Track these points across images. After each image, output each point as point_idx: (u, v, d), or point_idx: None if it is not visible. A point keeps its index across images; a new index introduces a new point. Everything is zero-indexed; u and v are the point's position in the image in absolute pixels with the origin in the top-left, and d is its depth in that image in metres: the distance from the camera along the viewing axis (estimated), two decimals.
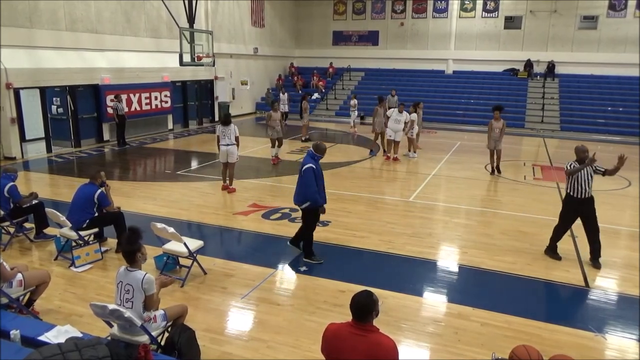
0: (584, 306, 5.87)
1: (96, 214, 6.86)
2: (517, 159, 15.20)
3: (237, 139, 10.27)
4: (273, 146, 13.54)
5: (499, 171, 12.40)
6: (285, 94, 20.25)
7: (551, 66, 24.54)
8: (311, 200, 6.55)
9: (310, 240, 6.88)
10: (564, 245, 7.59)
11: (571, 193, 6.85)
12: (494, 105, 12.54)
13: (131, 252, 4.17)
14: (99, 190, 6.85)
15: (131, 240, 4.23)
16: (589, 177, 6.71)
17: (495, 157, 12.34)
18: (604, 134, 20.43)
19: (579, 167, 6.69)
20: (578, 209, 6.86)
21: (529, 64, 25.05)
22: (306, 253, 6.86)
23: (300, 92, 25.14)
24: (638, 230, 8.49)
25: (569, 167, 6.81)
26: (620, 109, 21.84)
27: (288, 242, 7.14)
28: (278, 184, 11.28)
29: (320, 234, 7.88)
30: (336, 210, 9.12)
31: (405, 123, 13.85)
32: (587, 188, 6.72)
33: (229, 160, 10.31)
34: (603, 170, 6.77)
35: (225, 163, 10.41)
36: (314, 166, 6.48)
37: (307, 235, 6.86)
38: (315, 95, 26.16)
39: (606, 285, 6.33)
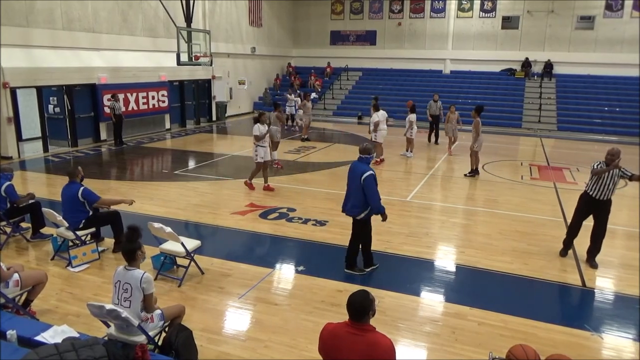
0: (581, 305, 5.89)
1: (91, 213, 6.81)
2: (514, 159, 15.24)
3: (255, 137, 10.15)
4: (275, 149, 12.84)
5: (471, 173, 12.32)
6: (292, 94, 20.09)
7: (548, 66, 24.59)
8: (379, 209, 6.08)
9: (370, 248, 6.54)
10: (561, 244, 7.62)
11: (590, 192, 6.75)
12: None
13: (131, 251, 4.17)
14: (82, 188, 6.69)
15: (131, 238, 4.23)
16: (611, 180, 6.59)
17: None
18: (600, 133, 20.49)
19: (605, 169, 6.53)
20: (593, 207, 6.80)
21: (526, 64, 25.11)
22: (369, 261, 6.52)
23: (298, 91, 25.13)
24: (633, 230, 8.51)
25: (596, 167, 6.66)
26: (617, 109, 21.91)
27: (345, 270, 6.51)
28: (275, 183, 11.26)
29: (317, 234, 7.91)
30: (333, 209, 9.11)
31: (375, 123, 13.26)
32: (607, 191, 6.61)
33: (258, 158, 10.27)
34: (630, 175, 6.62)
35: (265, 162, 10.35)
36: (374, 172, 6.04)
37: (369, 245, 6.47)
38: (313, 95, 26.15)
39: (603, 285, 6.36)
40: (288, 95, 19.90)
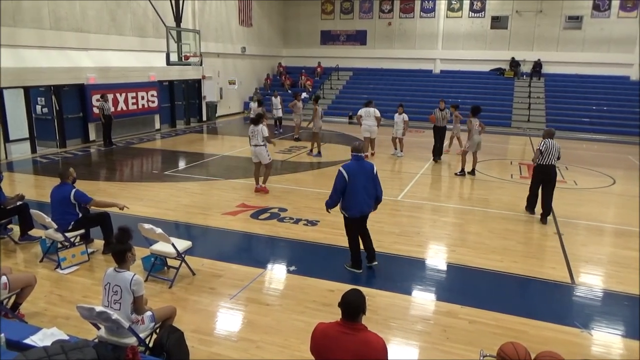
0: (570, 303, 5.94)
1: (80, 215, 6.75)
2: (504, 158, 15.35)
3: (266, 139, 10.00)
4: None
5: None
6: (278, 97, 19.65)
7: (537, 65, 24.79)
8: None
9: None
10: (550, 242, 7.71)
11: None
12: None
13: (121, 252, 4.14)
14: (74, 190, 6.65)
15: (122, 240, 4.20)
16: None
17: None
18: (589, 132, 20.71)
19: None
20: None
21: (514, 63, 25.28)
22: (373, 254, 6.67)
23: (289, 91, 25.08)
24: (620, 227, 8.60)
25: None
26: (605, 108, 22.14)
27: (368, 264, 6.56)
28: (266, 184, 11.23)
29: (308, 234, 7.90)
30: (324, 209, 9.10)
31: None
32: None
33: (261, 161, 10.15)
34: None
35: (257, 163, 10.23)
36: None
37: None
38: (303, 95, 26.12)
39: (591, 282, 6.42)
40: (274, 99, 19.53)
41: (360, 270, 6.49)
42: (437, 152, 14.00)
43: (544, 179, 8.58)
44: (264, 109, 13.57)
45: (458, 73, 26.35)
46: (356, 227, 6.47)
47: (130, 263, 4.21)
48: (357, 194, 6.21)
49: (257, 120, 10.09)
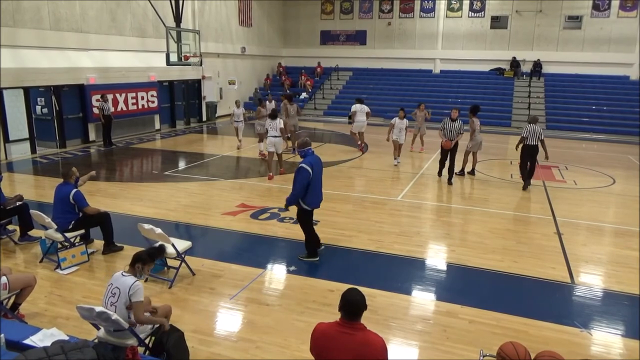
0: (570, 302, 5.94)
1: (80, 215, 6.76)
2: (504, 158, 15.35)
3: (281, 130, 11.43)
4: (261, 141, 14.02)
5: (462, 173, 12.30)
6: (273, 101, 18.37)
7: (537, 65, 24.78)
8: None
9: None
10: (550, 242, 7.71)
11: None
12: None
13: (135, 259, 4.23)
14: (74, 190, 6.67)
15: (150, 251, 4.34)
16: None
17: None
18: (588, 132, 20.72)
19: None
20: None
21: (514, 63, 25.28)
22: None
23: (287, 91, 25.03)
24: (620, 227, 8.60)
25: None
26: (604, 108, 22.15)
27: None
28: (266, 183, 11.25)
29: None
30: (324, 209, 9.08)
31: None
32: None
33: (277, 150, 11.59)
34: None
35: (272, 153, 11.62)
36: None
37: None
38: (303, 95, 26.14)
39: (591, 282, 6.42)
40: (268, 103, 18.82)
41: (317, 259, 6.82)
42: (448, 171, 11.44)
43: (530, 155, 10.82)
44: (260, 109, 14.26)
45: (458, 73, 26.34)
46: (311, 217, 6.84)
47: (137, 274, 4.20)
48: (317, 186, 6.64)
49: (274, 115, 11.50)
